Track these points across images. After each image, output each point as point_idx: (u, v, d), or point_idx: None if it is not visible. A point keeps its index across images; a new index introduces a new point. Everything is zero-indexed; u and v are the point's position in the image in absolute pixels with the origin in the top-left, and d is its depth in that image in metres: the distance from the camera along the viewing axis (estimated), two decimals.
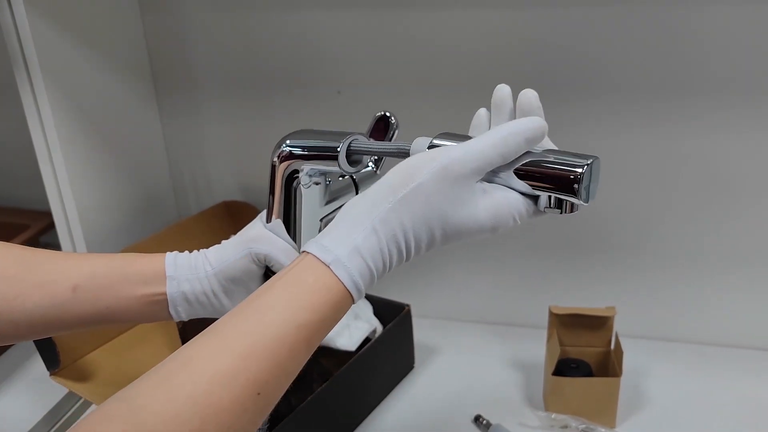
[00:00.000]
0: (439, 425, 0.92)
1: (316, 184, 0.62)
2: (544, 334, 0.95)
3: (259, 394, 0.46)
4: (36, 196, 1.05)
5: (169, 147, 1.18)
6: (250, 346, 0.47)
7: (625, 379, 0.87)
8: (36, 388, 1.00)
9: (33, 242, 1.20)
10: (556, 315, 0.93)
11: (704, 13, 0.85)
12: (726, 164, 0.93)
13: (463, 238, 0.53)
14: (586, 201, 0.54)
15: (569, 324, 0.94)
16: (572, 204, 0.55)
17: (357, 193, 0.63)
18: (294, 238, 0.63)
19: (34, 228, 1.20)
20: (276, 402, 0.49)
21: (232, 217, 1.16)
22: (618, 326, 0.93)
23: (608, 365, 0.93)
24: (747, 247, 0.97)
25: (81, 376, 0.88)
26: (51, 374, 0.88)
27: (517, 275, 1.08)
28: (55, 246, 1.03)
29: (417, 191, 0.51)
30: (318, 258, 0.50)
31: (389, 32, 0.98)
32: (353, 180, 0.65)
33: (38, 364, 0.90)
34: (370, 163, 0.65)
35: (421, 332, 1.04)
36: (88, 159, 1.00)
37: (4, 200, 1.32)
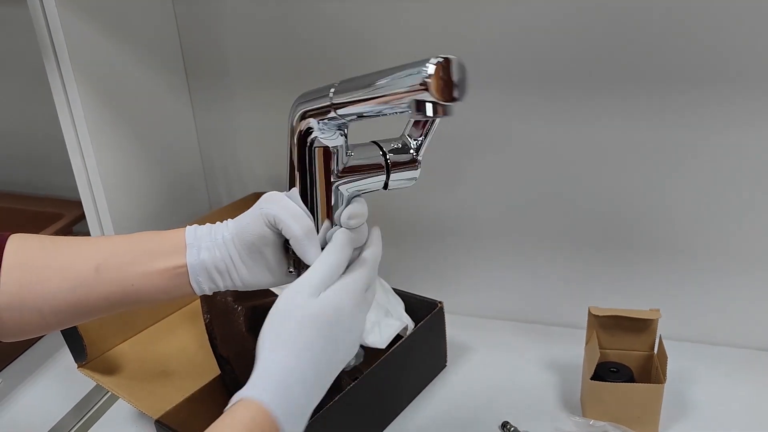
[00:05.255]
0: (469, 429, 0.89)
1: (333, 138, 0.56)
2: (583, 334, 0.91)
3: None
4: (70, 186, 1.05)
5: (201, 137, 1.16)
6: None
7: (668, 386, 0.82)
8: (65, 380, 1.00)
9: (66, 231, 1.21)
10: (596, 316, 0.88)
11: None
12: None
13: None
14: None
15: (610, 326, 0.89)
16: None
17: (386, 162, 0.59)
18: (310, 207, 0.58)
19: (68, 217, 1.21)
20: None
21: None
22: (662, 329, 0.88)
23: (651, 370, 0.89)
24: None
25: (108, 368, 0.88)
26: (78, 366, 0.87)
27: (556, 272, 1.04)
28: (86, 235, 1.02)
29: None
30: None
31: (424, 19, 0.95)
32: (379, 145, 0.60)
33: (67, 356, 0.90)
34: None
35: (455, 329, 1.01)
36: (118, 149, 0.99)
37: (39, 189, 1.33)
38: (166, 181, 1.10)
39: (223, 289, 0.61)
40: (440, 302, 0.97)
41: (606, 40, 0.88)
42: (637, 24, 0.85)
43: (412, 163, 0.61)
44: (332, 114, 0.54)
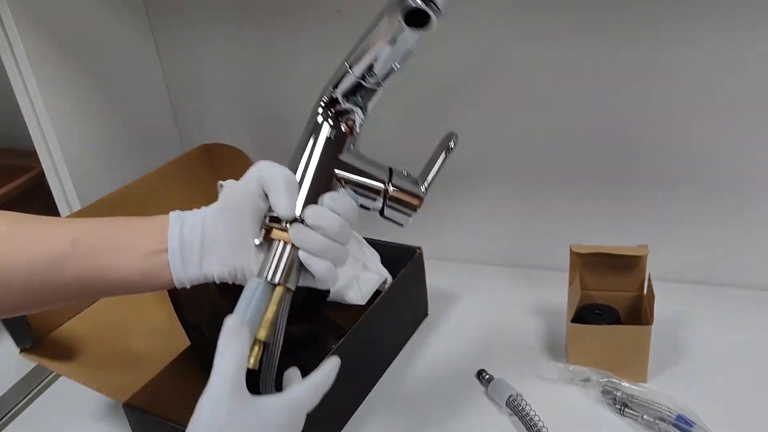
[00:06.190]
0: (445, 381, 0.84)
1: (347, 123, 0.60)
2: None
3: None
4: None
5: (167, 77, 1.11)
6: None
7: (661, 329, 0.77)
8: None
9: (37, 182, 1.18)
10: (579, 255, 0.82)
11: None
12: None
13: None
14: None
15: (594, 265, 0.83)
16: None
17: (390, 177, 0.62)
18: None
19: (39, 168, 1.17)
20: None
21: (212, 160, 1.06)
22: (651, 268, 0.82)
23: (639, 312, 0.83)
24: None
25: (58, 350, 0.79)
26: (21, 351, 0.77)
27: (539, 211, 0.99)
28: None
29: None
30: None
31: None
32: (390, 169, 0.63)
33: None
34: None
35: (435, 276, 0.96)
36: (71, 93, 0.95)
37: (10, 142, 1.29)
38: (130, 125, 1.05)
39: (200, 280, 0.57)
40: (419, 248, 0.92)
41: None
42: None
43: (414, 197, 0.63)
44: (350, 78, 0.58)
